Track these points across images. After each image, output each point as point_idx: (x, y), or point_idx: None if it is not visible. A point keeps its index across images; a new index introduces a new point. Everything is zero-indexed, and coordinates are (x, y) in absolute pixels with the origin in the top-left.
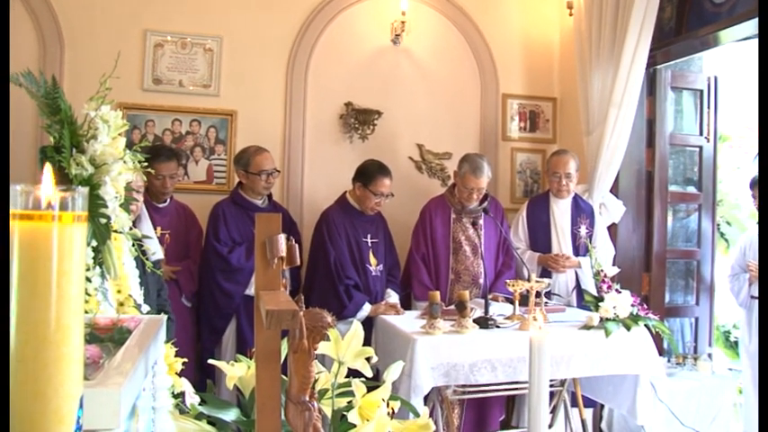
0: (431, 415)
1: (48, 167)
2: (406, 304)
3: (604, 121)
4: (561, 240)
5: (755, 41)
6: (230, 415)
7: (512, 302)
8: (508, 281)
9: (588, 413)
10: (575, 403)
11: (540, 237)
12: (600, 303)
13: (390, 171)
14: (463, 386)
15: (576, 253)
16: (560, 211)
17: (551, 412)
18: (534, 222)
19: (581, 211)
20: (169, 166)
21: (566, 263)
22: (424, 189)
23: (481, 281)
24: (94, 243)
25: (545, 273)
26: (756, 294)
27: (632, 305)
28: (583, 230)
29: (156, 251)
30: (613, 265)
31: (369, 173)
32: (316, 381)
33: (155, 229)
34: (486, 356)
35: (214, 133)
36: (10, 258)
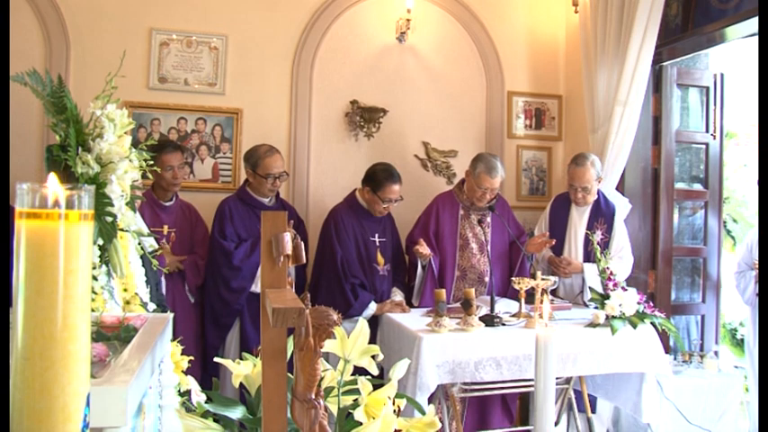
0: (437, 413)
1: (52, 176)
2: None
3: (610, 118)
4: (572, 244)
5: None
6: (236, 413)
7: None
8: (513, 278)
9: (600, 414)
10: (581, 401)
11: (556, 237)
12: (606, 301)
13: (399, 176)
14: (469, 384)
15: (588, 258)
16: (578, 214)
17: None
18: (554, 222)
19: (600, 214)
20: (176, 156)
21: (567, 268)
22: (429, 187)
23: (487, 279)
24: (101, 241)
25: (554, 273)
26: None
27: (638, 303)
28: (596, 236)
29: (150, 242)
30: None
31: (377, 180)
32: (322, 379)
33: (161, 227)
34: (492, 354)
35: (219, 131)
36: (16, 257)
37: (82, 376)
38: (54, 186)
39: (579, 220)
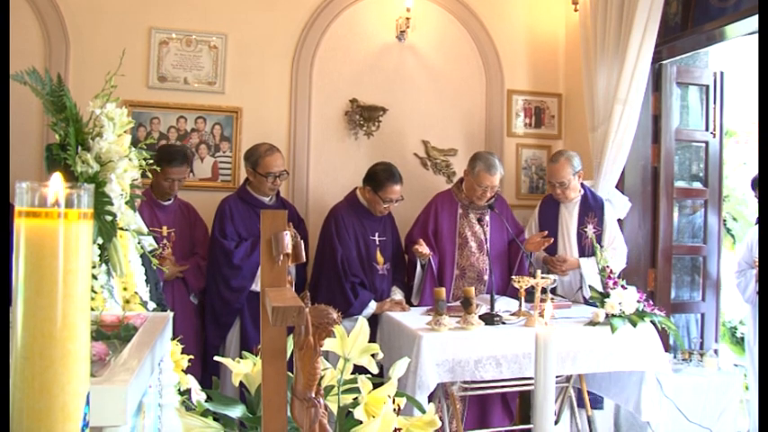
0: (437, 411)
1: (57, 175)
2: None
3: (610, 116)
4: (566, 242)
5: None
6: (236, 412)
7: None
8: (513, 277)
9: (602, 412)
10: (581, 399)
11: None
12: (606, 299)
13: (401, 176)
14: (469, 382)
15: (582, 253)
16: (568, 211)
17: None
18: (544, 222)
19: (589, 209)
20: (181, 170)
21: (563, 266)
22: (429, 186)
23: (486, 277)
24: (100, 240)
25: (551, 273)
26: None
27: (638, 301)
28: (590, 230)
29: (149, 241)
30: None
31: (378, 180)
32: (321, 377)
33: (160, 227)
34: (492, 353)
35: (219, 130)
36: (16, 256)
37: (81, 375)
38: (54, 185)
39: (569, 217)
